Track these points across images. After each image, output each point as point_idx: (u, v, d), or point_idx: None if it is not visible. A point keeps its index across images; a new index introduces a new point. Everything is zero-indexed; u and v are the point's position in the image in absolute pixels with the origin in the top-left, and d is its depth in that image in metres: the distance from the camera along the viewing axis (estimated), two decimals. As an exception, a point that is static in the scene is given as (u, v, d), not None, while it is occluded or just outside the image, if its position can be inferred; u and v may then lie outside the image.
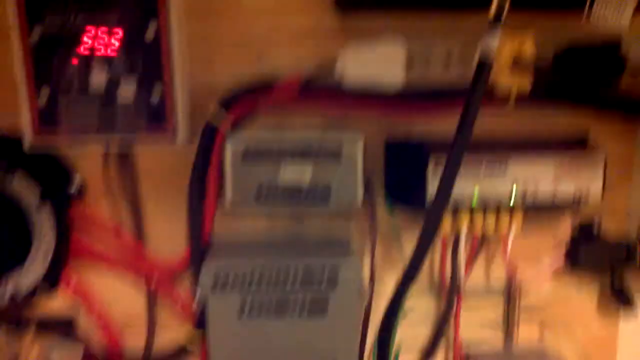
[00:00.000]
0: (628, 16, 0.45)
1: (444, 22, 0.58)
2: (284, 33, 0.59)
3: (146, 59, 0.54)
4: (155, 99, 0.55)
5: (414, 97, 0.57)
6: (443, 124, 0.58)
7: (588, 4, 0.46)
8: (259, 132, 0.58)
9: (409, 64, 0.55)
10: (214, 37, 0.59)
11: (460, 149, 0.46)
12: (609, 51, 0.52)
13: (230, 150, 0.56)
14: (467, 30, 0.57)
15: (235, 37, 0.59)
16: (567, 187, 0.54)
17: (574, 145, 0.56)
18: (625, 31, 0.46)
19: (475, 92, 0.45)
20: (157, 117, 0.56)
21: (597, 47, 0.53)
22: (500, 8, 0.44)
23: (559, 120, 0.62)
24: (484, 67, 0.45)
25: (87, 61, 0.54)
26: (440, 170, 0.48)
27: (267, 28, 0.59)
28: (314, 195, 0.55)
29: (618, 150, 0.63)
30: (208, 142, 0.57)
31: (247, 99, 0.57)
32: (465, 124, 0.45)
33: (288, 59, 0.59)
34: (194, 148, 0.57)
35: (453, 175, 0.47)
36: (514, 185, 0.53)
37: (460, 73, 0.56)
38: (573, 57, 0.54)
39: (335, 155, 0.55)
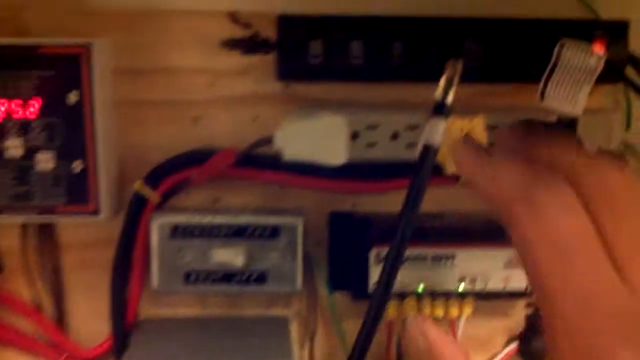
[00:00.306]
0: (581, 104, 0.42)
1: (392, 93, 0.55)
2: (222, 97, 0.55)
3: (67, 125, 0.50)
4: (76, 168, 0.51)
5: (358, 173, 0.53)
6: (390, 196, 0.55)
7: (541, 88, 0.43)
8: (190, 207, 0.54)
9: (353, 137, 0.52)
10: (146, 100, 0.54)
11: (403, 242, 0.41)
12: (565, 128, 0.50)
13: (157, 227, 0.51)
14: (415, 103, 0.55)
15: (169, 100, 0.54)
16: (518, 281, 0.50)
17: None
18: (579, 115, 0.43)
19: (418, 181, 0.41)
20: (78, 188, 0.51)
21: (553, 124, 0.50)
22: (446, 90, 0.41)
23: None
24: (428, 152, 0.41)
25: (2, 126, 0.49)
26: (382, 260, 0.44)
27: (203, 91, 0.54)
28: (249, 278, 0.51)
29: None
30: (135, 216, 0.53)
31: (179, 170, 0.53)
32: (408, 218, 0.41)
33: (225, 125, 0.55)
34: (120, 220, 0.53)
35: (395, 271, 0.42)
36: (462, 283, 0.49)
37: (408, 143, 0.53)
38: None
39: (272, 235, 0.51)
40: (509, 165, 0.27)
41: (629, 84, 0.46)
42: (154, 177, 0.53)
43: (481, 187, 0.29)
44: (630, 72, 0.55)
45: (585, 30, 0.53)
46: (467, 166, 0.31)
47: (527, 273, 0.24)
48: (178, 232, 0.50)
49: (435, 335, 0.37)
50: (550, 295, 0.23)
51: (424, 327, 0.38)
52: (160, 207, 0.53)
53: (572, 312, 0.22)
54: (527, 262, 0.24)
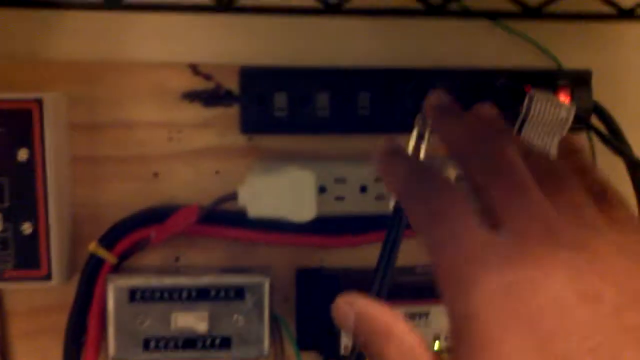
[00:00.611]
0: (555, 147, 0.41)
1: (359, 145, 0.54)
2: (183, 150, 0.52)
3: (16, 185, 0.47)
4: (26, 231, 0.47)
5: (326, 228, 0.52)
6: (360, 251, 0.53)
7: (517, 128, 0.43)
8: (149, 267, 0.51)
9: (321, 191, 0.50)
10: (103, 155, 0.52)
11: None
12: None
13: (113, 290, 0.48)
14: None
15: (127, 155, 0.52)
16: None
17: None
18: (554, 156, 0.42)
19: (392, 239, 0.39)
20: (28, 252, 0.48)
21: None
22: (417, 147, 0.40)
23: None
24: (402, 210, 0.40)
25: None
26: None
27: (164, 145, 0.52)
28: (213, 343, 0.48)
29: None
30: (90, 279, 0.49)
31: (137, 230, 0.50)
32: (382, 277, 0.39)
33: (187, 180, 0.53)
34: (74, 284, 0.49)
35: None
36: (437, 341, 0.47)
37: (377, 196, 0.51)
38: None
39: (237, 296, 0.48)
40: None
41: (596, 132, 0.46)
42: (110, 237, 0.50)
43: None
44: (594, 120, 0.56)
45: (549, 80, 0.53)
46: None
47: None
48: (136, 295, 0.47)
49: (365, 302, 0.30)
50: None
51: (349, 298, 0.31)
52: (117, 268, 0.50)
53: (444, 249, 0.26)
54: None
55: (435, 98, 0.33)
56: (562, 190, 0.26)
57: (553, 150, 0.43)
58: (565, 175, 0.28)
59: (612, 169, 0.56)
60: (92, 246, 0.49)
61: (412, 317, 0.47)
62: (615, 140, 0.54)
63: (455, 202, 0.26)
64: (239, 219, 0.49)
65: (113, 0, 0.40)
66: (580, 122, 0.47)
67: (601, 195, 0.27)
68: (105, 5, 0.40)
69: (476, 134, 0.29)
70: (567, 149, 0.30)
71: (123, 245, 0.50)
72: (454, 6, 0.45)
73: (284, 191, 0.47)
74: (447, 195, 0.27)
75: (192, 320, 0.48)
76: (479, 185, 0.27)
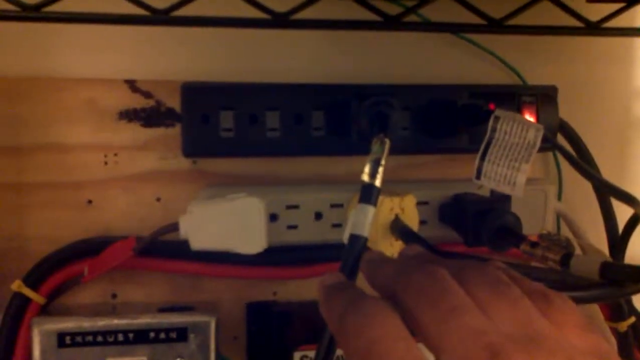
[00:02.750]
0: (521, 185, 0.38)
1: (313, 168, 0.50)
2: (120, 176, 0.48)
3: None
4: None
5: (279, 259, 0.48)
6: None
7: (477, 166, 0.39)
8: (82, 308, 0.46)
9: (272, 219, 0.46)
10: (30, 182, 0.47)
11: (332, 344, 0.35)
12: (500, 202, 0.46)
13: (40, 335, 0.42)
14: (339, 177, 0.50)
15: (57, 181, 0.47)
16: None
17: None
18: (520, 196, 0.39)
19: (346, 273, 0.35)
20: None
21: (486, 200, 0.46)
22: (373, 173, 0.36)
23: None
24: (357, 242, 0.36)
25: None
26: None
27: (98, 169, 0.47)
28: (153, 390, 0.43)
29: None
30: (13, 322, 0.44)
31: (67, 265, 0.45)
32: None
33: (124, 208, 0.48)
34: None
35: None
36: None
37: (333, 224, 0.48)
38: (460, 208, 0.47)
39: (180, 338, 0.43)
40: None
41: (564, 155, 0.43)
42: (37, 274, 0.45)
43: None
44: (560, 139, 0.53)
45: (514, 96, 0.50)
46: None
47: None
48: (65, 340, 0.42)
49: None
50: None
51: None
52: (46, 309, 0.45)
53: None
54: None
55: (368, 254, 0.32)
56: (503, 303, 0.24)
57: (519, 186, 0.40)
58: (505, 286, 0.25)
59: (579, 189, 0.54)
60: (16, 285, 0.44)
61: None
62: (583, 161, 0.52)
63: (393, 337, 0.24)
64: (182, 251, 0.45)
65: (30, 7, 0.35)
66: (547, 142, 0.44)
67: (542, 299, 0.25)
68: (23, 13, 0.35)
69: (404, 268, 0.27)
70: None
71: (51, 283, 0.45)
72: (413, 18, 0.42)
73: (230, 220, 0.43)
74: (383, 333, 0.24)
75: (129, 365, 0.43)
76: (415, 317, 0.24)
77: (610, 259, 0.34)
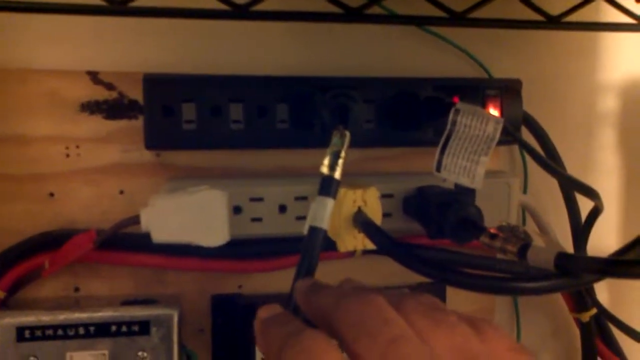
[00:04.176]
0: (480, 177, 0.38)
1: (276, 160, 0.50)
2: (82, 168, 0.47)
3: None
4: None
5: (243, 252, 0.47)
6: (281, 275, 0.49)
7: (437, 159, 0.39)
8: (42, 300, 0.45)
9: (235, 212, 0.46)
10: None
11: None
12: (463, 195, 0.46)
13: (-1, 329, 0.42)
14: (304, 170, 0.50)
15: (17, 174, 0.46)
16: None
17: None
18: (480, 188, 0.40)
19: (305, 266, 0.35)
20: None
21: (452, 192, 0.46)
22: (333, 165, 0.36)
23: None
24: (316, 235, 0.36)
25: None
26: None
27: (60, 162, 0.47)
28: (114, 384, 0.43)
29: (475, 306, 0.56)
30: (-28, 316, 0.43)
31: (27, 259, 0.45)
32: (293, 311, 0.35)
33: (86, 201, 0.47)
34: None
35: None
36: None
37: (297, 216, 0.47)
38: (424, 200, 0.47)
39: (142, 331, 0.43)
40: None
41: (528, 151, 0.44)
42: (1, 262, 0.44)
43: None
44: (525, 132, 0.54)
45: (478, 89, 0.50)
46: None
47: None
48: (24, 334, 0.42)
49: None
50: None
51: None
52: (5, 303, 0.45)
53: None
54: None
55: (302, 282, 0.32)
56: (441, 330, 0.24)
57: (478, 178, 0.40)
58: (442, 313, 0.25)
59: (544, 182, 0.55)
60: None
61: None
62: (548, 154, 0.52)
63: None
64: (145, 244, 0.44)
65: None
66: (510, 135, 0.44)
67: (474, 326, 0.25)
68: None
69: (341, 296, 0.27)
70: None
71: (11, 276, 0.44)
72: (376, 10, 0.42)
73: (192, 213, 0.42)
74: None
75: (90, 359, 0.42)
76: (354, 350, 0.24)
77: (565, 250, 0.34)
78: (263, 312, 0.29)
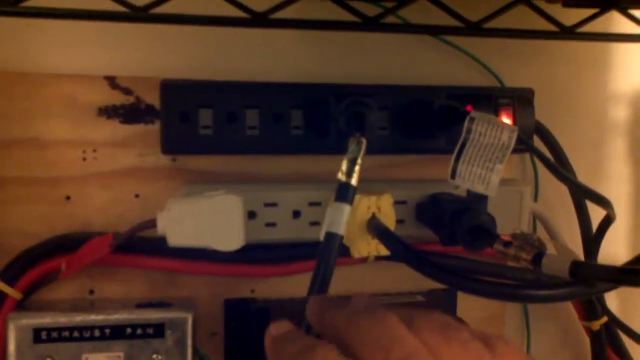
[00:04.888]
0: (495, 185, 0.39)
1: (291, 166, 0.50)
2: (99, 172, 0.48)
3: None
4: None
5: (257, 257, 0.48)
6: (294, 280, 0.49)
7: (452, 167, 0.40)
8: (59, 302, 0.46)
9: (250, 217, 0.46)
10: (8, 177, 0.46)
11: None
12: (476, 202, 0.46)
13: (15, 330, 0.42)
14: (318, 176, 0.50)
15: (36, 177, 0.47)
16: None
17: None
18: (494, 195, 0.40)
19: (322, 272, 0.36)
20: None
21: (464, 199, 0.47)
22: (350, 172, 0.37)
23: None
24: (333, 241, 0.36)
25: None
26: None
27: (77, 166, 0.47)
28: (129, 387, 0.43)
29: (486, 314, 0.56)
30: (-11, 316, 0.44)
31: (44, 261, 0.45)
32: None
33: (103, 205, 0.48)
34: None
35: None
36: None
37: (311, 222, 0.48)
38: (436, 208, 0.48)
39: (157, 334, 0.43)
40: None
41: (540, 159, 0.44)
42: (14, 269, 0.45)
43: None
44: (536, 141, 0.54)
45: (491, 98, 0.50)
46: None
47: None
48: (41, 335, 0.42)
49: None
50: None
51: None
52: (22, 305, 0.45)
53: None
54: None
55: (313, 300, 0.32)
56: (454, 347, 0.25)
57: (493, 186, 0.40)
58: (455, 330, 0.26)
59: (555, 191, 0.55)
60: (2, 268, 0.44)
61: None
62: (559, 163, 0.53)
63: None
64: (160, 247, 0.45)
65: (9, 3, 0.35)
66: (523, 144, 0.44)
67: (486, 342, 0.26)
68: (1, 8, 0.35)
69: (354, 313, 0.27)
70: None
71: (28, 278, 0.45)
72: (393, 20, 0.43)
73: (208, 218, 0.43)
74: None
75: (105, 362, 0.43)
76: None
77: (580, 259, 0.35)
78: (274, 329, 0.30)
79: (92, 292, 0.48)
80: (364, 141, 0.38)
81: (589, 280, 0.35)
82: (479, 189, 0.40)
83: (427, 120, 0.47)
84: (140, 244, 0.46)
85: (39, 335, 0.43)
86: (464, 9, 0.42)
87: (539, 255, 0.36)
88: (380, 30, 0.42)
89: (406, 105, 0.48)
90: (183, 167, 0.49)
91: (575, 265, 0.34)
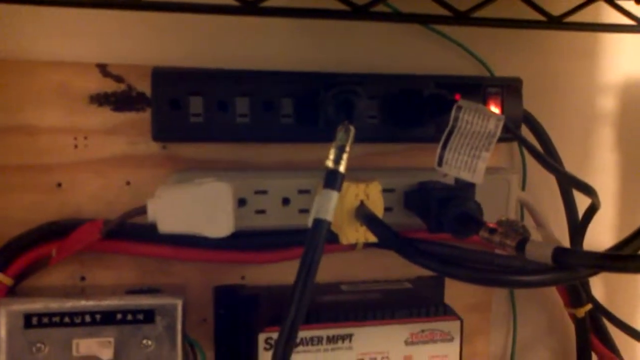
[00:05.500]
0: (481, 172, 0.39)
1: (281, 154, 0.51)
2: (90, 159, 0.48)
3: None
4: None
5: (246, 243, 0.48)
6: (284, 266, 0.50)
7: (438, 154, 0.40)
8: (50, 290, 0.46)
9: (240, 204, 0.47)
10: (2, 163, 0.46)
11: (294, 328, 0.37)
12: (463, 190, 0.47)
13: (6, 316, 0.42)
14: (307, 164, 0.51)
15: (26, 164, 0.47)
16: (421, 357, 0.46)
17: (427, 306, 0.48)
18: (480, 182, 0.40)
19: (309, 258, 0.36)
20: None
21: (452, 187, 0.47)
22: (338, 159, 0.37)
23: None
24: (320, 227, 0.37)
25: None
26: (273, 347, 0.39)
27: (68, 152, 0.47)
28: (119, 371, 0.44)
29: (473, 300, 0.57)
30: (-20, 302, 0.44)
31: (35, 247, 0.45)
32: (299, 301, 0.36)
33: (94, 191, 0.48)
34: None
35: (286, 356, 0.37)
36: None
37: (300, 209, 0.48)
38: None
39: (147, 319, 0.44)
40: None
41: (528, 148, 0.44)
42: (5, 255, 0.45)
43: None
44: (525, 130, 0.54)
45: (479, 87, 0.51)
46: None
47: None
48: (32, 320, 0.43)
49: None
50: None
51: None
52: (13, 290, 0.45)
53: None
54: None
55: None
56: None
57: (479, 173, 0.41)
58: None
59: (543, 179, 0.56)
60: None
61: (333, 340, 0.44)
62: (547, 152, 0.53)
63: None
64: (150, 234, 0.45)
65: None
66: (510, 133, 0.45)
67: None
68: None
69: None
70: None
71: (19, 264, 0.45)
72: (382, 8, 0.43)
73: (198, 204, 0.43)
74: None
75: (95, 346, 0.43)
76: None
77: (562, 245, 0.35)
78: None
79: (83, 278, 0.48)
80: (352, 128, 0.39)
81: (571, 265, 0.36)
82: (465, 176, 0.40)
83: (416, 109, 0.48)
84: (131, 231, 0.47)
85: (29, 321, 0.43)
86: (453, -3, 0.42)
87: (523, 241, 0.36)
88: (370, 19, 0.42)
89: (395, 94, 0.48)
90: (173, 155, 0.49)
91: (558, 251, 0.34)
